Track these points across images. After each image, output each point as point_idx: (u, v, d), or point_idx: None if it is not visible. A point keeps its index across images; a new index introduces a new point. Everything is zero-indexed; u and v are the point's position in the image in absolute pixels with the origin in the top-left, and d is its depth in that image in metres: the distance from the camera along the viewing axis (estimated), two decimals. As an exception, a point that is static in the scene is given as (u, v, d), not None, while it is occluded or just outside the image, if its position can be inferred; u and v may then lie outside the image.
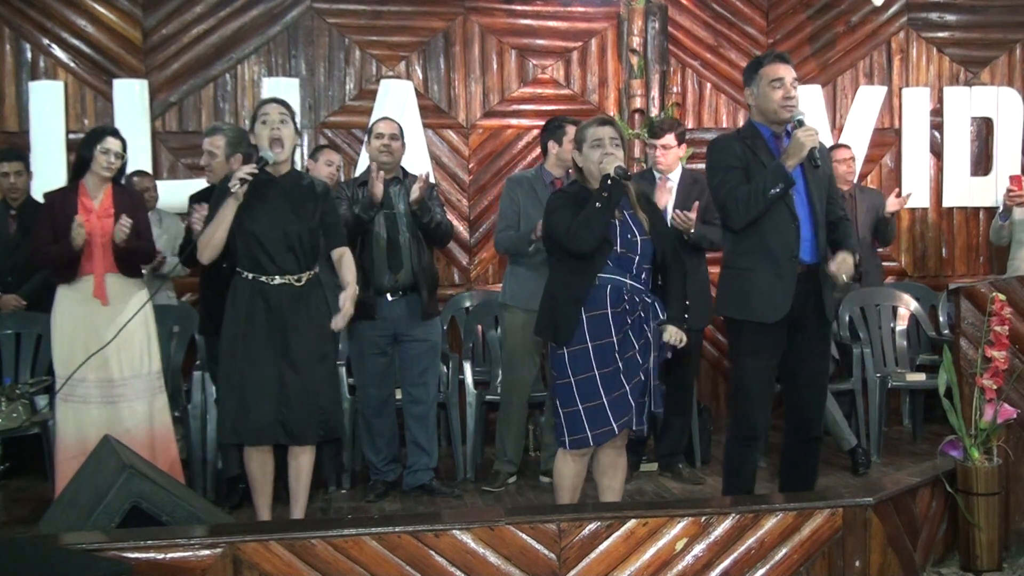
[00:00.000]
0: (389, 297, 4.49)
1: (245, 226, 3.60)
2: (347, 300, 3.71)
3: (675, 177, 4.80)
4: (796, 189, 3.52)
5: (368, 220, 4.40)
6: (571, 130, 4.66)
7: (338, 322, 3.72)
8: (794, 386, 3.71)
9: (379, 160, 4.50)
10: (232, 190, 3.54)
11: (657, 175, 4.80)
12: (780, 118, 3.56)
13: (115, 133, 4.22)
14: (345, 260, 3.83)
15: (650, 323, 3.47)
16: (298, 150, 5.31)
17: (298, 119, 5.49)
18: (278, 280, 3.65)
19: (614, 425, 3.41)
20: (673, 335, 3.51)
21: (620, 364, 3.41)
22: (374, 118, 5.65)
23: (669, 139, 4.77)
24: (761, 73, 3.57)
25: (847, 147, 5.66)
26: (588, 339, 3.41)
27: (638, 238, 3.48)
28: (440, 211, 4.65)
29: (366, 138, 4.62)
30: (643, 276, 3.50)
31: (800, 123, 3.49)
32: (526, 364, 4.72)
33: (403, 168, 4.64)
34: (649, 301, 3.48)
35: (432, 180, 4.89)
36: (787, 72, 3.54)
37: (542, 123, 5.81)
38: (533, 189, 4.67)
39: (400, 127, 4.62)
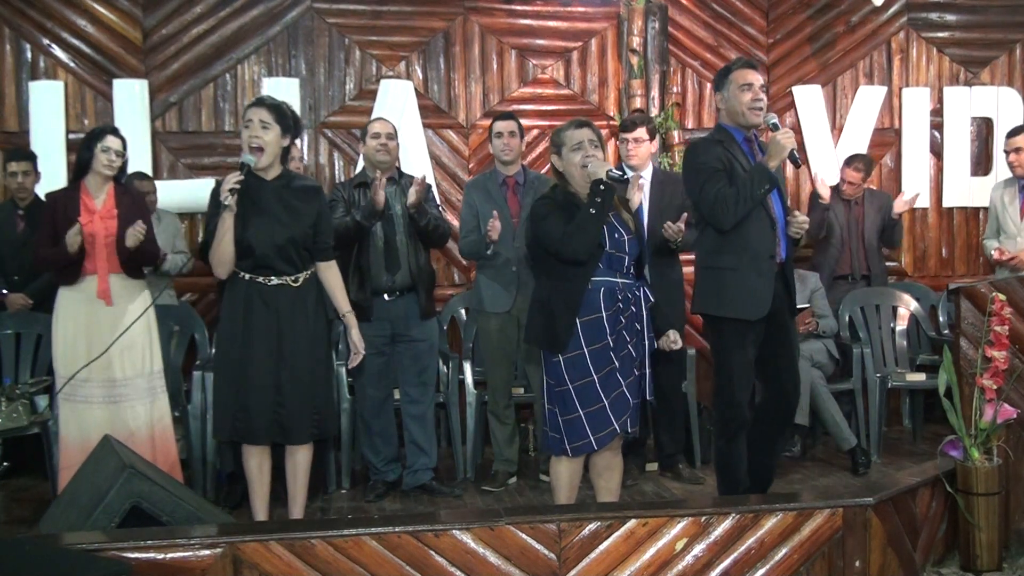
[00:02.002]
0: (386, 297, 4.50)
1: (240, 231, 3.60)
2: (357, 339, 3.83)
3: (647, 175, 4.74)
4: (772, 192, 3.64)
5: (370, 227, 4.41)
6: (497, 124, 4.79)
7: (355, 361, 3.85)
8: (776, 375, 3.78)
9: (376, 160, 4.51)
10: (226, 203, 3.54)
11: (628, 172, 4.76)
12: (748, 121, 3.68)
13: (115, 132, 4.23)
14: (334, 280, 3.83)
15: (642, 313, 3.47)
16: (296, 149, 5.31)
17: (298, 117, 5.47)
18: (275, 281, 3.66)
19: (615, 425, 3.40)
20: (673, 337, 3.57)
21: (616, 363, 3.40)
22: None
23: (641, 132, 4.72)
24: (731, 78, 3.68)
25: (859, 168, 5.52)
26: (584, 344, 3.38)
27: (625, 237, 3.47)
28: (437, 212, 4.66)
29: (361, 139, 4.61)
30: (631, 271, 3.50)
31: (775, 126, 3.62)
32: (504, 365, 4.77)
33: (399, 168, 4.65)
34: (638, 294, 3.48)
35: (429, 181, 4.88)
36: (755, 77, 3.67)
37: (542, 123, 5.87)
38: (487, 189, 4.74)
39: (394, 126, 4.63)
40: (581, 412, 3.39)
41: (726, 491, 3.72)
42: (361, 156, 4.64)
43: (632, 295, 3.45)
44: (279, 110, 3.67)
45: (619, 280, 3.44)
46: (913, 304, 5.60)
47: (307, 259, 3.73)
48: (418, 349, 4.60)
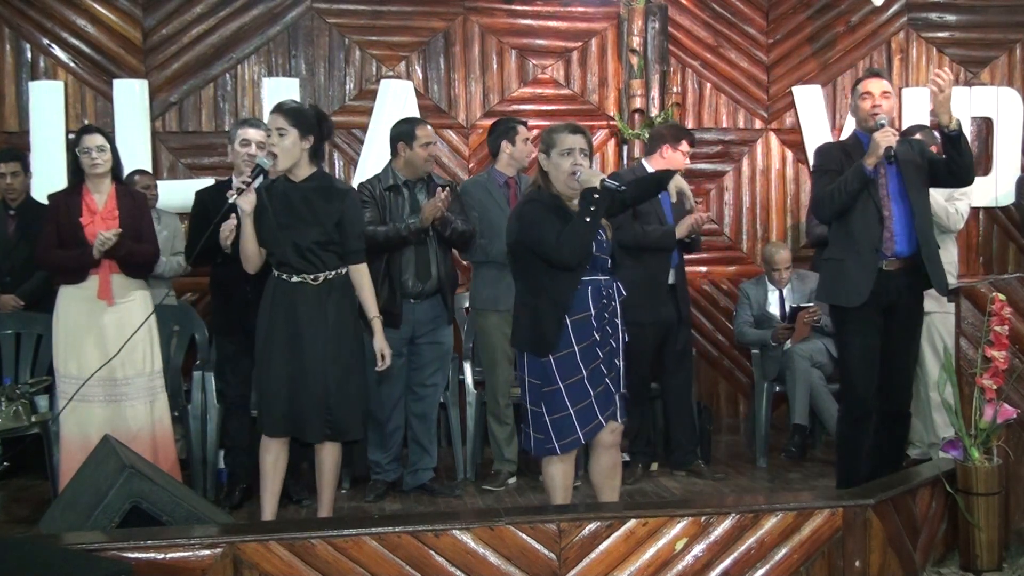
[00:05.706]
0: (411, 301, 4.49)
1: (264, 230, 3.67)
2: (382, 346, 3.79)
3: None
4: (889, 188, 3.86)
5: (414, 242, 4.41)
6: (522, 130, 4.82)
7: (382, 366, 3.83)
8: (889, 367, 3.94)
9: (424, 168, 4.52)
10: (230, 200, 3.61)
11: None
12: (867, 126, 3.94)
13: (89, 130, 4.21)
14: (362, 282, 3.78)
15: (617, 308, 3.49)
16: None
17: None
18: (295, 279, 3.69)
19: (600, 418, 3.42)
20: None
21: (601, 357, 3.42)
22: (375, 119, 5.65)
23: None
24: (856, 88, 4.01)
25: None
26: (574, 343, 3.38)
27: (604, 238, 3.49)
28: (462, 217, 4.58)
29: (404, 143, 4.47)
30: (608, 267, 3.52)
31: (881, 126, 3.85)
32: (504, 364, 4.76)
33: (429, 173, 4.63)
34: (613, 290, 3.50)
35: (457, 187, 4.84)
36: (876, 85, 3.94)
37: (543, 123, 5.83)
38: (488, 191, 4.76)
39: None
40: (571, 410, 3.39)
41: (844, 478, 3.84)
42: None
43: (611, 290, 3.49)
44: (296, 113, 3.69)
45: (602, 278, 3.47)
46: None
47: (332, 260, 3.71)
48: (434, 352, 4.61)
